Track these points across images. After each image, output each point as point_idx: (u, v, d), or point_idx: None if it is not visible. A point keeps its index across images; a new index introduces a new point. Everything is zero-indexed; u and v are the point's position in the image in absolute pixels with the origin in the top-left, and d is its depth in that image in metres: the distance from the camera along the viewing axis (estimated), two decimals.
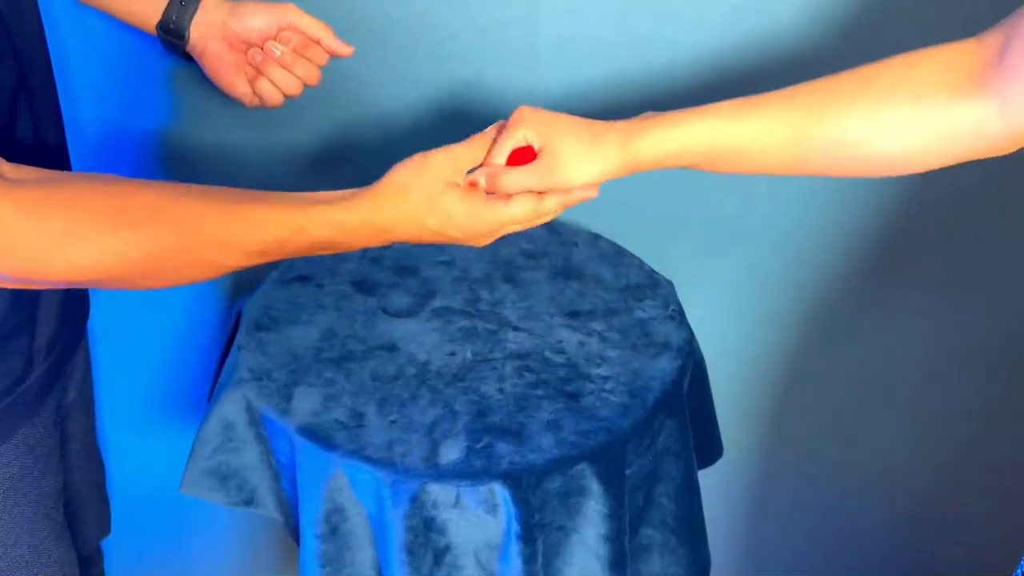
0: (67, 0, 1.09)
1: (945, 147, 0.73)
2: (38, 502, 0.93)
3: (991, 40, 0.71)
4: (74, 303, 0.96)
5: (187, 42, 0.96)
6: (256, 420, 0.93)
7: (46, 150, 0.88)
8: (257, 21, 0.95)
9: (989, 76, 0.70)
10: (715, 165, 0.79)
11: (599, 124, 0.80)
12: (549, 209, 0.80)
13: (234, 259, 0.75)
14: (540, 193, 0.79)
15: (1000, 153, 0.73)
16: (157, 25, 0.96)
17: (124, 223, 0.70)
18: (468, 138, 0.81)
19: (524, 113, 0.80)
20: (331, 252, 0.81)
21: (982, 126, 0.71)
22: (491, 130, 0.81)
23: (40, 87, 0.87)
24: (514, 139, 0.79)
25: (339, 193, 0.79)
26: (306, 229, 0.76)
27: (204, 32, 0.95)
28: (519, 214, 0.79)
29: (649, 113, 0.80)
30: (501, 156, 0.79)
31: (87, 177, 0.72)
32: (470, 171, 0.80)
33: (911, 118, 0.73)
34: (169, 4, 0.95)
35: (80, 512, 1.12)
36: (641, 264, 1.11)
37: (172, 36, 0.96)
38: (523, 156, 0.79)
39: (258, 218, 0.75)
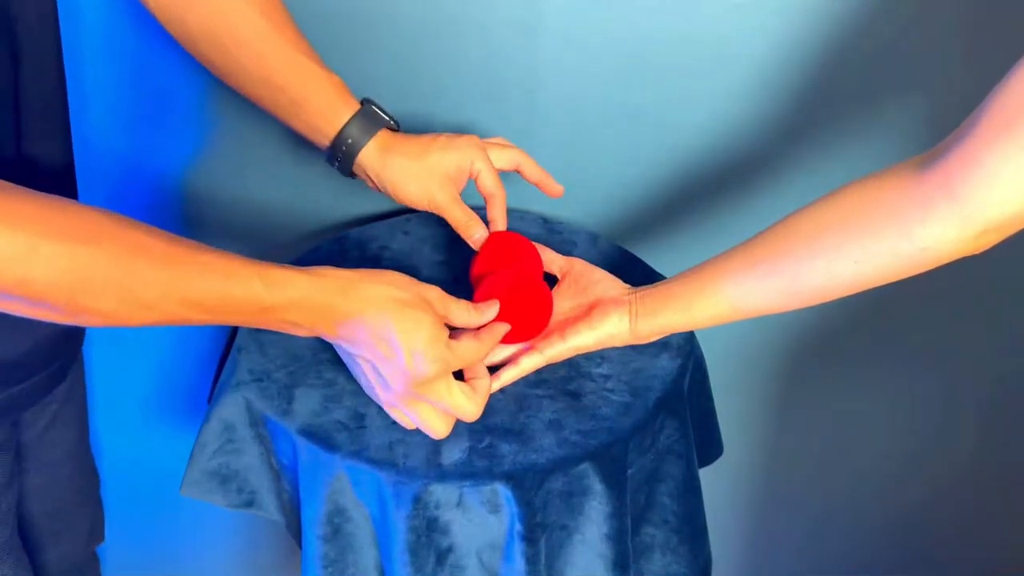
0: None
1: (916, 264, 0.74)
2: None
3: (933, 154, 0.71)
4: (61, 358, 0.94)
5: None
6: (257, 421, 0.93)
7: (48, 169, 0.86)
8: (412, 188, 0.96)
9: (933, 185, 0.70)
10: (715, 322, 0.88)
11: (601, 297, 0.94)
12: (464, 400, 0.85)
13: (171, 306, 0.70)
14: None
15: (981, 250, 0.72)
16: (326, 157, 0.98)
17: (54, 232, 0.63)
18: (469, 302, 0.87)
19: (574, 265, 0.99)
20: (284, 329, 0.79)
21: (941, 235, 0.71)
22: (484, 307, 0.88)
23: (45, 100, 0.84)
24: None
25: (307, 268, 0.78)
26: (260, 294, 0.74)
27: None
28: (470, 355, 0.85)
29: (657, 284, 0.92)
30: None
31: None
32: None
33: (873, 252, 0.75)
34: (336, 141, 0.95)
35: (72, 521, 1.11)
36: (641, 264, 1.11)
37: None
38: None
39: (207, 265, 0.71)
